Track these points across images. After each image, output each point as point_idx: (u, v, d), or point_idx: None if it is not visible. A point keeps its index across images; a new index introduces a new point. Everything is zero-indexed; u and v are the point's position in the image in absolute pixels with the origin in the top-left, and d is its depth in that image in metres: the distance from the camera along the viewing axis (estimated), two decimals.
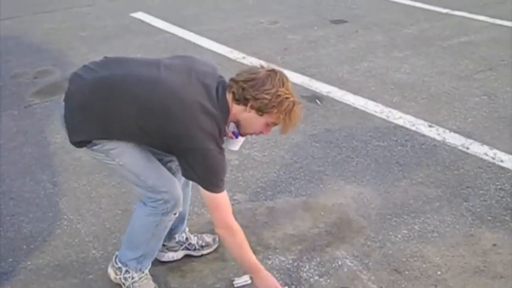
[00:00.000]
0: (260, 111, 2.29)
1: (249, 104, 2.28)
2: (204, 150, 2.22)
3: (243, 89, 2.26)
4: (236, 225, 2.40)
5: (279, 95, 2.26)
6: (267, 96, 2.25)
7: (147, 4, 7.59)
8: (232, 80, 2.32)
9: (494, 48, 5.55)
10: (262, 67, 2.35)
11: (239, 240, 2.42)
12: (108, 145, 2.32)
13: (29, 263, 2.88)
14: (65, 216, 3.23)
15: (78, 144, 2.35)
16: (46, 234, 3.08)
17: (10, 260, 2.90)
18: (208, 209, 2.43)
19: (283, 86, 2.28)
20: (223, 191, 2.32)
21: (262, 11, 7.16)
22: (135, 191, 2.56)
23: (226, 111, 2.31)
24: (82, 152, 2.43)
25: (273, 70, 2.31)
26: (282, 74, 2.31)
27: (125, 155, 2.36)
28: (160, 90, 2.24)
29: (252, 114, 2.31)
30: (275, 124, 2.38)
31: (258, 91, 2.25)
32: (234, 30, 6.43)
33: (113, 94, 2.26)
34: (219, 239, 2.88)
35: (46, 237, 3.06)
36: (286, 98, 2.28)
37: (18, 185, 3.55)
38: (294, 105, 2.30)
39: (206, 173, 2.26)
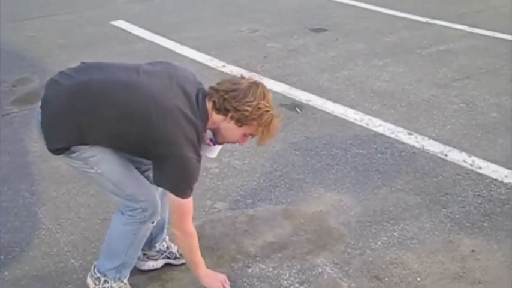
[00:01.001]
0: (240, 122, 2.31)
1: (229, 115, 2.30)
2: (181, 158, 2.22)
3: (224, 99, 2.27)
4: (192, 231, 2.45)
5: (260, 108, 2.28)
6: (248, 109, 2.26)
7: (128, 12, 7.56)
8: (212, 88, 2.32)
9: (472, 56, 5.62)
10: (243, 78, 2.36)
11: (191, 244, 2.50)
12: (87, 153, 2.30)
13: (6, 273, 2.84)
14: (44, 226, 3.19)
15: (56, 151, 2.32)
16: (24, 244, 3.05)
17: None
18: (170, 210, 2.45)
19: (264, 98, 2.30)
20: (190, 197, 2.33)
21: (242, 19, 7.18)
22: (113, 199, 2.54)
23: (205, 118, 2.32)
24: (61, 161, 2.41)
25: (254, 82, 2.32)
26: (263, 86, 2.33)
27: (104, 163, 2.34)
28: (140, 95, 2.23)
29: (231, 124, 2.32)
30: (253, 135, 2.39)
31: (240, 103, 2.26)
32: (214, 38, 6.43)
33: (91, 99, 2.24)
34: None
35: (24, 247, 3.02)
36: (267, 111, 2.30)
37: None
38: (272, 119, 2.33)
39: (178, 180, 2.28)
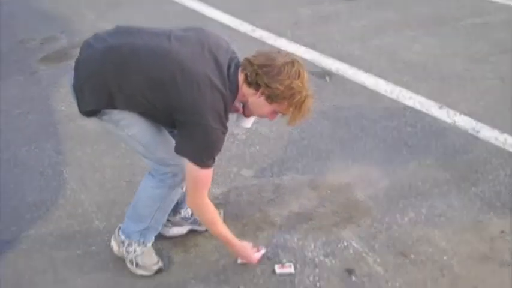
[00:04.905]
0: (270, 99, 2.24)
1: (260, 90, 2.23)
2: (205, 127, 2.17)
3: (257, 74, 2.20)
4: (207, 205, 2.39)
5: (292, 87, 2.20)
6: (280, 87, 2.19)
7: None
8: (247, 60, 2.25)
9: (509, 30, 5.43)
10: (280, 53, 2.28)
11: (210, 217, 2.44)
12: (118, 115, 2.29)
13: (32, 232, 2.87)
14: (69, 186, 3.20)
15: (88, 113, 2.31)
16: (49, 203, 3.07)
17: (13, 228, 2.89)
18: (187, 181, 2.37)
19: (298, 78, 2.21)
20: (210, 168, 2.27)
21: None
22: (144, 163, 2.52)
23: (235, 90, 2.26)
24: (87, 121, 2.39)
25: (291, 60, 2.23)
26: (299, 65, 2.24)
27: (135, 126, 2.33)
28: (168, 61, 2.19)
29: (262, 100, 2.26)
30: (283, 114, 2.33)
31: (272, 80, 2.19)
32: (244, 1, 6.33)
33: (122, 64, 2.21)
34: (223, 214, 2.86)
35: (49, 207, 3.04)
36: (299, 91, 2.22)
37: (23, 152, 3.52)
38: (305, 99, 2.25)
39: (200, 148, 2.22)
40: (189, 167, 2.26)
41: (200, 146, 2.21)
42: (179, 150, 2.26)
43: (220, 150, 2.28)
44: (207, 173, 2.29)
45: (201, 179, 2.30)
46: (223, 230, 2.48)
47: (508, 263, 2.64)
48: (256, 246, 2.66)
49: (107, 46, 2.26)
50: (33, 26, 5.60)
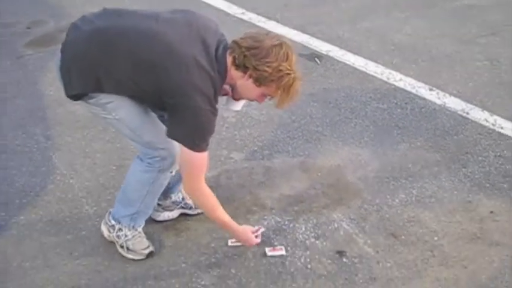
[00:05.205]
0: (258, 82, 2.21)
1: (248, 73, 2.20)
2: (195, 109, 2.15)
3: (245, 56, 2.17)
4: (205, 189, 2.35)
5: (280, 70, 2.17)
6: (267, 69, 2.16)
7: None
8: (235, 42, 2.22)
9: (497, 12, 5.42)
10: (268, 35, 2.24)
11: (209, 203, 2.40)
12: (105, 99, 2.26)
13: (21, 217, 2.85)
14: (58, 171, 3.18)
15: (74, 97, 2.29)
16: (39, 188, 3.04)
17: (2, 214, 2.87)
18: (181, 166, 2.36)
19: (286, 60, 2.18)
20: (203, 151, 2.25)
21: None
22: (132, 146, 2.50)
23: (223, 72, 2.23)
24: (76, 105, 2.38)
25: (279, 42, 2.20)
26: (287, 47, 2.21)
27: (122, 109, 2.30)
28: (155, 44, 2.16)
29: (249, 83, 2.23)
30: (271, 96, 2.30)
31: (260, 62, 2.16)
32: None
33: (109, 46, 2.19)
34: None
35: (39, 192, 3.02)
36: (288, 73, 2.19)
37: (10, 138, 3.49)
38: (293, 81, 2.22)
39: (191, 131, 2.19)
40: (183, 151, 2.23)
41: (191, 129, 2.19)
42: (171, 134, 2.24)
43: (212, 132, 2.26)
44: (201, 157, 2.25)
45: (195, 162, 2.27)
46: (223, 215, 2.44)
47: (497, 243, 2.66)
48: (253, 226, 2.65)
49: (94, 28, 2.23)
50: (20, 9, 5.52)
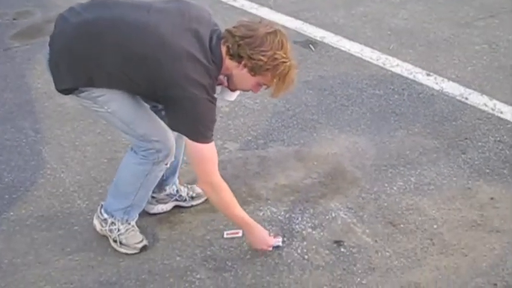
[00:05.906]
0: (253, 71, 2.17)
1: (243, 62, 2.16)
2: (192, 98, 2.10)
3: (239, 45, 2.13)
4: (221, 183, 2.30)
5: (276, 58, 2.13)
6: (262, 58, 2.12)
7: None
8: (228, 32, 2.17)
9: None
10: (262, 23, 2.19)
11: (225, 198, 2.34)
12: (96, 92, 2.21)
13: (11, 213, 2.80)
14: (48, 165, 3.12)
15: (65, 91, 2.24)
16: (29, 183, 2.99)
17: None
18: (192, 162, 2.32)
19: (281, 48, 2.14)
20: (210, 142, 2.21)
21: None
22: (126, 139, 2.45)
23: (219, 63, 2.19)
24: (66, 98, 2.32)
25: (273, 30, 2.15)
26: (282, 34, 2.17)
27: (114, 102, 2.25)
28: (149, 36, 2.11)
29: (244, 72, 2.19)
30: (267, 86, 2.26)
31: (254, 51, 2.12)
32: None
33: (98, 39, 2.14)
34: None
35: (29, 187, 2.96)
36: (283, 62, 2.15)
37: None
38: (289, 70, 2.18)
39: (193, 121, 2.15)
40: (190, 147, 2.20)
41: (192, 119, 2.15)
42: (174, 127, 2.22)
43: (215, 120, 2.22)
44: (209, 147, 2.21)
45: (205, 155, 2.22)
46: (242, 212, 2.39)
47: (497, 230, 2.62)
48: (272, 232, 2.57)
49: (81, 20, 2.18)
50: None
